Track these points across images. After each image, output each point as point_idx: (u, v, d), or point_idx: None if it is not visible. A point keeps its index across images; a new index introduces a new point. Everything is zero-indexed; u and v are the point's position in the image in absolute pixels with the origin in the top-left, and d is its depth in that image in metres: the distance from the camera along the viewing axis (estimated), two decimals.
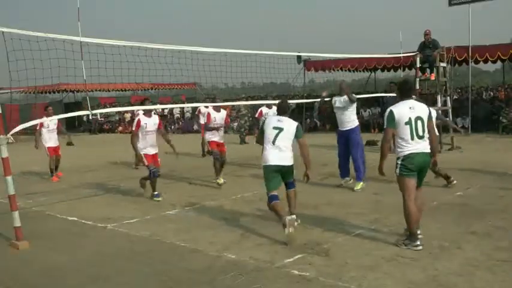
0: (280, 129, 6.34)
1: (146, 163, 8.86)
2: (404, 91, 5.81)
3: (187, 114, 29.43)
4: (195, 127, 22.48)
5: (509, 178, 9.51)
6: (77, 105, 30.11)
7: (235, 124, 24.01)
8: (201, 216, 7.58)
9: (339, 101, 9.10)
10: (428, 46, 14.39)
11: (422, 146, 5.61)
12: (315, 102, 18.29)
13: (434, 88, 14.97)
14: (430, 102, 15.91)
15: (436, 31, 14.79)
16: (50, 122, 11.76)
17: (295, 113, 25.33)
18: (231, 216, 7.42)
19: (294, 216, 6.06)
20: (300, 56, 18.89)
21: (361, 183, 9.02)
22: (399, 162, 5.61)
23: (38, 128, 11.89)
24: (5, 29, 6.55)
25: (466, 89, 21.50)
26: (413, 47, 15.05)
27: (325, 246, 5.76)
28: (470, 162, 11.65)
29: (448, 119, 7.25)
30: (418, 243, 5.54)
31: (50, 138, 12.06)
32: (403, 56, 15.68)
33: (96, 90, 30.11)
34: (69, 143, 21.00)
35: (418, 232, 5.66)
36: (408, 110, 5.60)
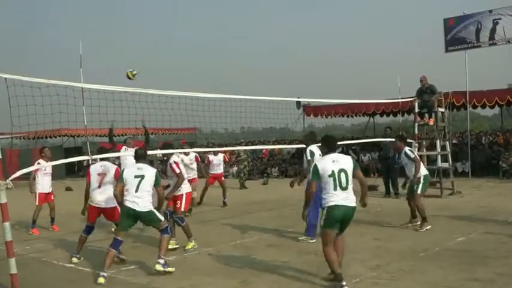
0: (142, 177, 6.80)
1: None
2: (331, 146, 6.15)
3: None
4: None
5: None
6: (77, 150, 30.11)
7: (235, 169, 24.00)
8: (200, 262, 7.47)
9: None
10: (425, 91, 14.55)
11: (345, 198, 5.84)
12: None
13: (433, 133, 15.04)
14: (428, 145, 16.02)
15: (434, 76, 15.00)
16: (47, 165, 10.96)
17: (294, 158, 25.50)
18: (230, 262, 7.30)
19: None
20: (300, 101, 19.12)
21: (304, 237, 8.55)
22: (324, 212, 5.88)
23: (34, 172, 10.91)
24: (7, 76, 6.61)
25: (465, 133, 21.63)
26: (411, 92, 15.23)
27: None
28: (472, 207, 11.59)
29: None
30: (344, 283, 5.63)
31: (45, 184, 11.03)
32: (401, 102, 15.83)
33: (96, 135, 30.21)
34: (68, 188, 20.95)
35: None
36: (331, 163, 5.88)
